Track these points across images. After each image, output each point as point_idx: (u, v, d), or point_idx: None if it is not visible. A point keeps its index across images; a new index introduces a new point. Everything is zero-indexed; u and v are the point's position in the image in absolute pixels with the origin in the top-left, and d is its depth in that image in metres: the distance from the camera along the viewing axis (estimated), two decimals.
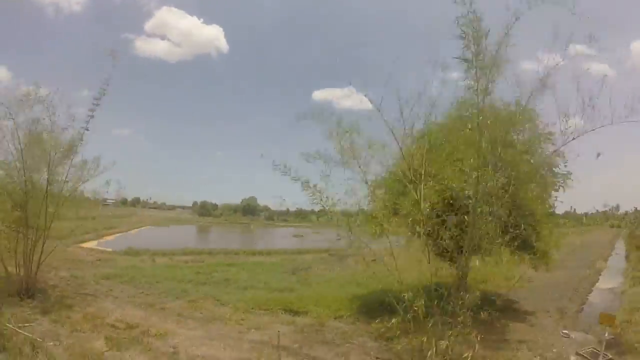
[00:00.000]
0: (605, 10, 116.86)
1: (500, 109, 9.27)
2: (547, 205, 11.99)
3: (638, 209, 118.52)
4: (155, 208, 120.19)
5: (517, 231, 12.10)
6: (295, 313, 11.64)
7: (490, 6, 7.42)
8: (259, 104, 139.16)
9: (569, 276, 22.10)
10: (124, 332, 9.07)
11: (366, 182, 8.18)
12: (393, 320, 7.11)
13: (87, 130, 12.25)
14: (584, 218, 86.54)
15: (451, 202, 9.29)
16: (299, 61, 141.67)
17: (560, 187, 12.58)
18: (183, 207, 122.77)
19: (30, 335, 7.80)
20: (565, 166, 11.47)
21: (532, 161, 10.46)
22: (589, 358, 9.12)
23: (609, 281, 21.66)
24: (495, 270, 17.74)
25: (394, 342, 7.35)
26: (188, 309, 11.75)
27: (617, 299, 17.07)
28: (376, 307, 9.77)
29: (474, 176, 8.19)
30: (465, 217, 8.58)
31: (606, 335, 8.94)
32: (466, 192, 8.72)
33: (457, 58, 7.47)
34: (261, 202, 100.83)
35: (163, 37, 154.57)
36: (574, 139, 7.74)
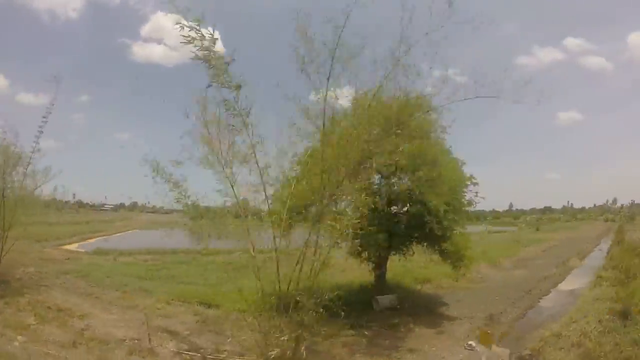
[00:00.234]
0: (602, 2, 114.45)
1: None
2: (455, 205, 11.68)
3: (636, 202, 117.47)
4: (153, 212, 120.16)
5: (421, 231, 11.91)
6: (209, 305, 12.44)
7: None
8: (256, 106, 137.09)
9: (532, 275, 20.62)
10: (54, 312, 11.00)
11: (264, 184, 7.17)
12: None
13: (38, 144, 14.04)
14: (578, 213, 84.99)
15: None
16: (295, 62, 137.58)
17: (472, 187, 12.95)
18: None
19: None
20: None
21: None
22: None
23: (574, 281, 20.03)
24: (436, 270, 17.48)
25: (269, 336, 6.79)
26: (118, 298, 13.19)
27: (572, 303, 15.26)
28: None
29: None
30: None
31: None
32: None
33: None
34: None
35: (159, 42, 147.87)
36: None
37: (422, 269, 17.99)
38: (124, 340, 8.94)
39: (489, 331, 9.41)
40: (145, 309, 11.61)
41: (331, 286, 11.62)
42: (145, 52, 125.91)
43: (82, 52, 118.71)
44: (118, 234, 47.30)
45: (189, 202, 6.95)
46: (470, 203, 12.98)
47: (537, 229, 51.17)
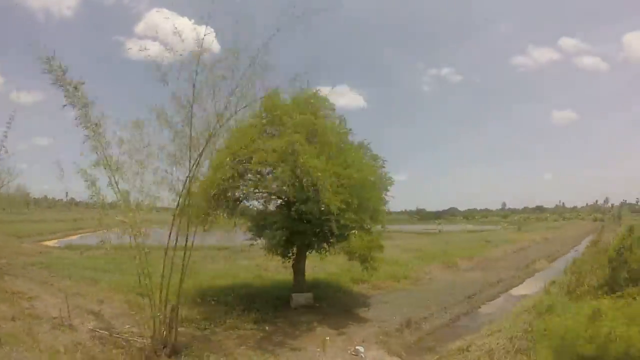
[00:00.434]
0: (596, 2, 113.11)
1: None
2: (362, 204, 11.42)
3: (627, 202, 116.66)
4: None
5: (320, 230, 11.71)
6: (146, 296, 11.92)
7: None
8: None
9: (486, 278, 19.49)
10: (9, 295, 12.33)
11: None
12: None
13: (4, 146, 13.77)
14: (569, 212, 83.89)
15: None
16: (291, 60, 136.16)
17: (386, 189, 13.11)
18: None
19: None
20: None
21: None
22: None
23: (532, 286, 18.83)
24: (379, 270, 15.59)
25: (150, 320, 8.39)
26: (69, 286, 13.82)
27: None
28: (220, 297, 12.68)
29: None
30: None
31: None
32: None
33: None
34: None
35: (154, 39, 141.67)
36: None
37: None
38: (55, 318, 9.94)
39: (327, 338, 9.56)
40: (87, 295, 12.90)
41: (246, 283, 15.30)
42: (139, 49, 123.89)
43: (76, 49, 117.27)
44: (103, 231, 47.10)
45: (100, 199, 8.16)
46: (381, 203, 12.70)
47: (519, 229, 49.98)
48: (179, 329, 8.67)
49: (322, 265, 16.73)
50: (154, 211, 8.61)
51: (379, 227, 13.09)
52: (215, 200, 10.55)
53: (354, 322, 11.63)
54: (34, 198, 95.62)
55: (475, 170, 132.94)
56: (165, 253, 8.28)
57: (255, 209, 13.45)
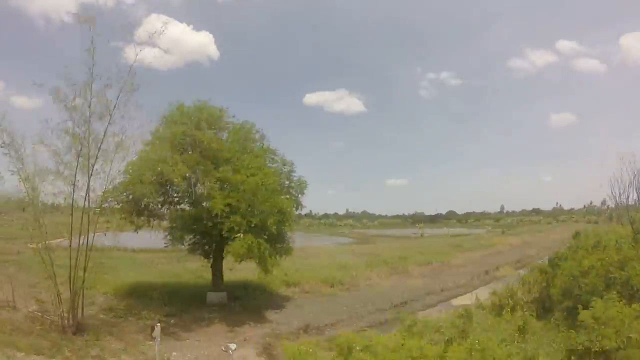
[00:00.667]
0: (594, 4, 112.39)
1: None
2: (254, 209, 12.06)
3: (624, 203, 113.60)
4: None
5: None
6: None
7: None
8: (250, 110, 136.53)
9: (431, 286, 18.90)
10: None
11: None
12: None
13: None
14: (565, 214, 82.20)
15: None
16: (289, 65, 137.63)
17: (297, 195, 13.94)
18: None
19: None
20: None
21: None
22: None
23: (482, 295, 18.09)
24: (317, 275, 17.68)
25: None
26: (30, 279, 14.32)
27: None
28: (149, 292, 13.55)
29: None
30: None
31: None
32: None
33: None
34: None
35: (153, 45, 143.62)
36: None
37: (312, 271, 18.41)
38: (6, 300, 10.88)
39: (158, 324, 9.61)
40: (37, 285, 12.92)
41: (179, 281, 16.44)
42: (138, 55, 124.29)
43: (75, 55, 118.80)
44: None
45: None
46: (288, 206, 12.88)
47: (503, 232, 49.04)
48: (100, 316, 11.21)
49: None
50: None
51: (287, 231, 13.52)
52: (131, 206, 12.28)
53: (255, 322, 12.19)
54: None
55: (475, 173, 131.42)
56: (78, 252, 10.07)
57: (167, 213, 13.87)
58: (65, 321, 9.65)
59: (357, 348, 6.03)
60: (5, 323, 9.50)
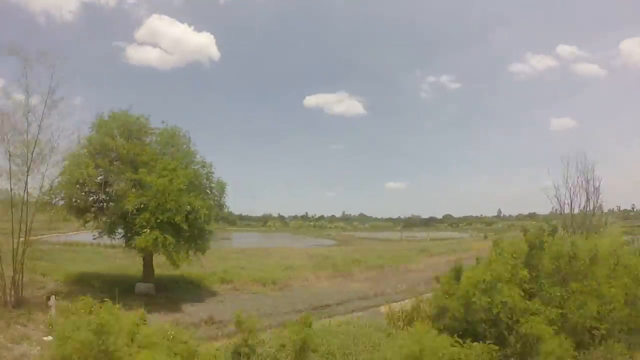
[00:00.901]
0: (594, 9, 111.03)
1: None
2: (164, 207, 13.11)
3: (620, 208, 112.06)
4: None
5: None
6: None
7: None
8: (251, 111, 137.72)
9: (369, 290, 19.06)
10: None
11: None
12: None
13: None
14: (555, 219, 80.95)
15: None
16: (290, 67, 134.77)
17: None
18: None
19: None
20: None
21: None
22: None
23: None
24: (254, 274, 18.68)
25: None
26: None
27: None
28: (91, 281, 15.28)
29: None
30: None
31: None
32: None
33: None
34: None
35: (154, 45, 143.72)
36: None
37: (257, 270, 19.51)
38: None
39: None
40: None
41: (123, 273, 17.49)
42: (139, 55, 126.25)
43: (77, 54, 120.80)
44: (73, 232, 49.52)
45: None
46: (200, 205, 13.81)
47: (485, 237, 48.74)
48: (43, 297, 12.60)
49: (216, 264, 19.81)
50: None
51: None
52: (68, 204, 13.82)
53: (168, 311, 13.10)
54: None
55: (474, 176, 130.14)
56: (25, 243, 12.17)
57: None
58: (8, 297, 11.73)
59: None
60: None
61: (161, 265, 16.64)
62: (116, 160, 13.74)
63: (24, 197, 12.34)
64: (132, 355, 5.68)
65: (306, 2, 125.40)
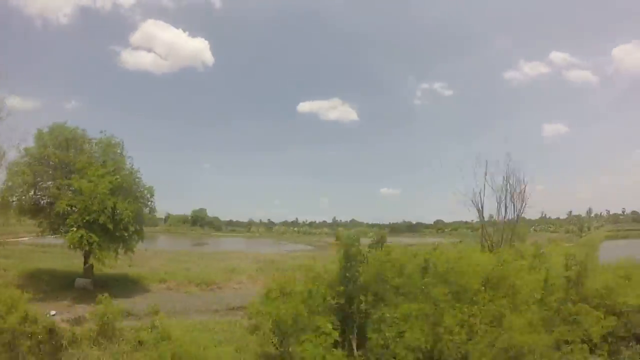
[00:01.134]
0: (586, 17, 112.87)
1: None
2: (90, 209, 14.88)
3: (611, 212, 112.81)
4: None
5: None
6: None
7: None
8: (244, 117, 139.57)
9: None
10: None
11: None
12: None
13: None
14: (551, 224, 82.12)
15: None
16: (284, 73, 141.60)
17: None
18: None
19: None
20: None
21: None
22: None
23: None
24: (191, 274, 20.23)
25: None
26: None
27: None
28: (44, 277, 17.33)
29: None
30: None
31: None
32: None
33: None
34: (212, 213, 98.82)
35: (149, 50, 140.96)
36: None
37: (199, 272, 21.18)
38: None
39: None
40: None
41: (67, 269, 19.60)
42: (134, 59, 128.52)
43: (72, 57, 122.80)
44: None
45: None
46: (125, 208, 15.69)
47: (460, 241, 49.55)
48: None
49: (165, 265, 22.32)
50: None
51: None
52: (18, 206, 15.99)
53: (95, 304, 13.86)
54: None
55: (468, 182, 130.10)
56: None
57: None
58: None
59: None
60: None
61: (117, 265, 17.80)
62: (52, 168, 15.47)
63: None
64: None
65: (300, 9, 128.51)
